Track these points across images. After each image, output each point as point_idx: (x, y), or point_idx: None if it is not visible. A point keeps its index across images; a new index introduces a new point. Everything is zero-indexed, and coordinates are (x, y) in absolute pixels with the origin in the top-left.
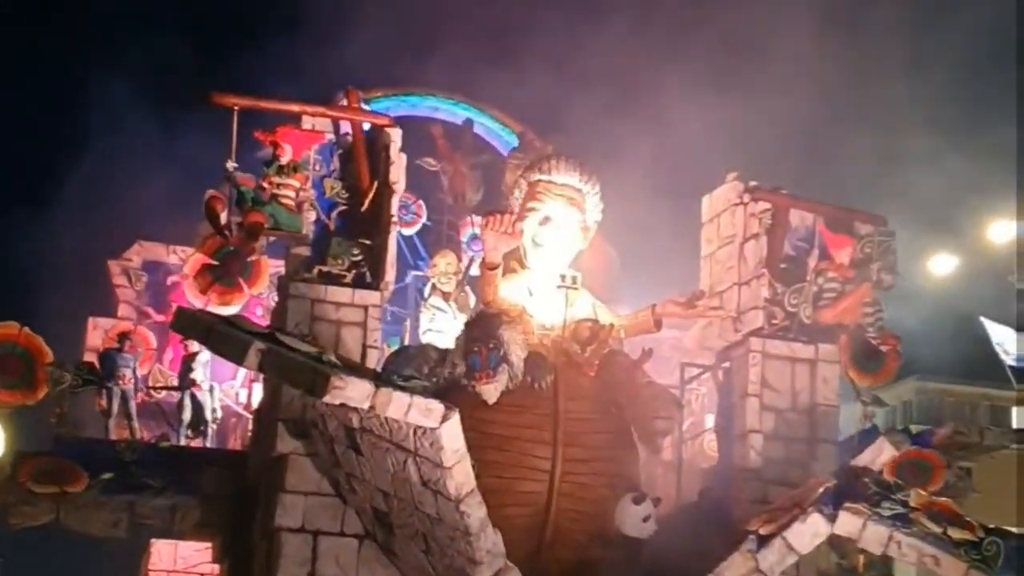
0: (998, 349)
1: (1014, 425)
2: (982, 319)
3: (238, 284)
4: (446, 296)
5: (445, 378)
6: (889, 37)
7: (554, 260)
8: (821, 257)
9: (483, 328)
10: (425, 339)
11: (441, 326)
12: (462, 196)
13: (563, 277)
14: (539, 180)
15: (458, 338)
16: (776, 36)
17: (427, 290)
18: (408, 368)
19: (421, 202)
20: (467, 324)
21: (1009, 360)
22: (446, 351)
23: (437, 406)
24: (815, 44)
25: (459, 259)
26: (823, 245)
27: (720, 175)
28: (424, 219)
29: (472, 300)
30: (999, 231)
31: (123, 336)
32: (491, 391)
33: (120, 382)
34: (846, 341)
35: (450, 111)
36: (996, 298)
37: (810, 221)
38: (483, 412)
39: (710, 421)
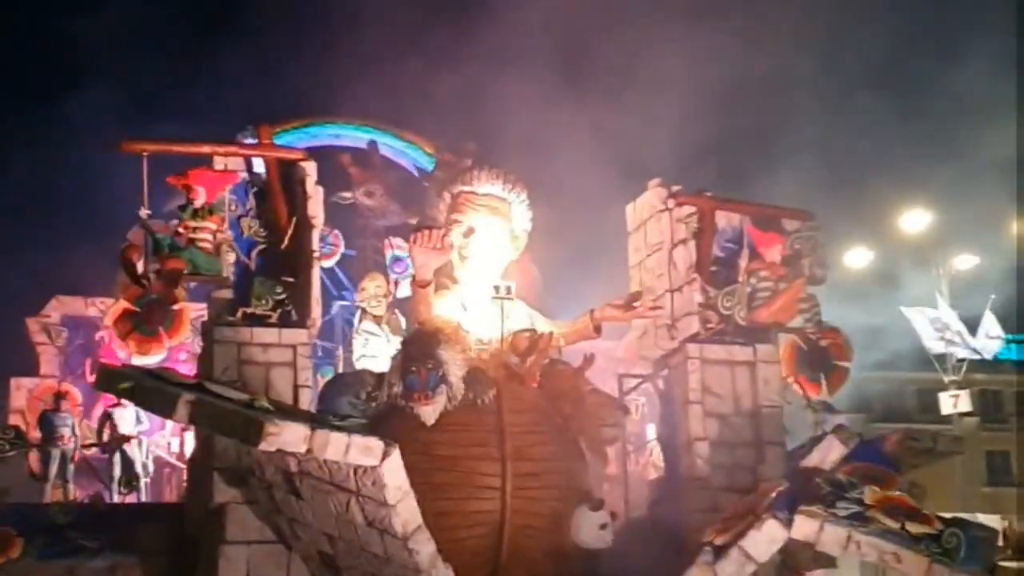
0: (921, 337)
1: (942, 411)
2: (902, 308)
3: (158, 334)
4: (377, 320)
5: (384, 402)
6: (790, 24)
7: (483, 272)
8: (751, 257)
9: (420, 347)
10: (360, 365)
11: (375, 350)
12: (400, 203)
13: (496, 288)
14: (461, 192)
15: (394, 356)
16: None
17: (356, 318)
18: (346, 395)
19: (338, 232)
20: (404, 342)
21: (933, 346)
22: (383, 375)
23: (376, 444)
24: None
25: (387, 281)
26: (752, 245)
27: (641, 182)
28: (342, 248)
29: (403, 323)
30: (911, 220)
31: (58, 396)
32: (429, 412)
33: (59, 443)
34: (789, 353)
35: (354, 136)
36: (914, 286)
37: (737, 222)
38: (427, 434)
39: (651, 432)
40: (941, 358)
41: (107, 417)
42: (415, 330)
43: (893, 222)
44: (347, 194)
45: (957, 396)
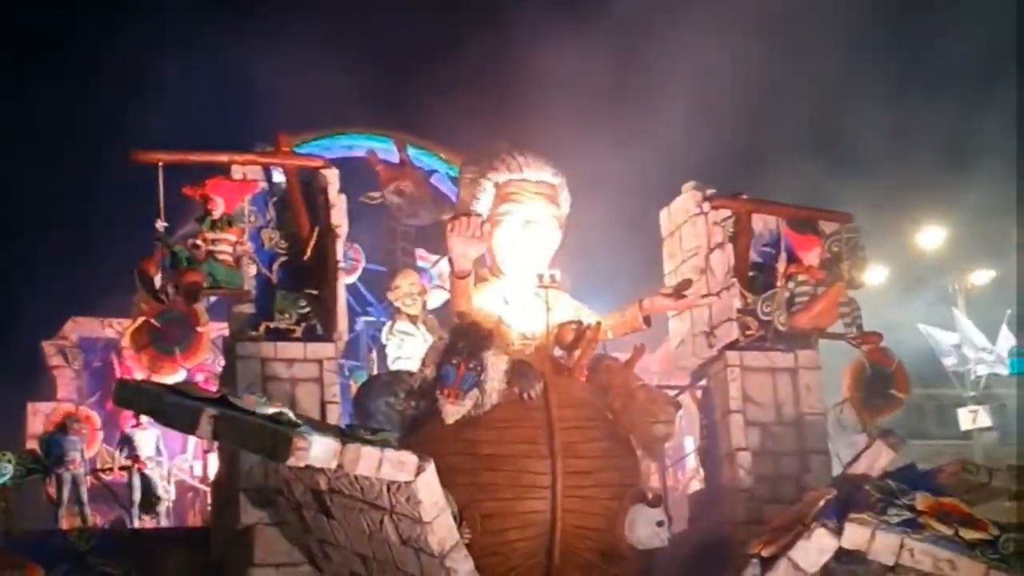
0: (939, 353)
1: (961, 427)
2: (919, 325)
3: (173, 354)
4: (413, 319)
5: (424, 402)
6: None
7: (537, 263)
8: (789, 260)
9: (471, 342)
10: (395, 368)
11: (411, 352)
12: (432, 200)
13: (541, 277)
14: (511, 180)
15: (439, 339)
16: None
17: (384, 331)
18: (384, 395)
19: (358, 246)
20: (455, 330)
21: (950, 364)
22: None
23: (410, 459)
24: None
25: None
26: (790, 248)
27: (675, 187)
28: (364, 263)
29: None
30: (928, 236)
31: (67, 418)
32: (452, 412)
33: (70, 466)
34: (852, 374)
35: (367, 146)
36: (932, 303)
37: (774, 225)
38: (472, 432)
39: (689, 445)
40: (959, 373)
41: (127, 440)
42: (470, 321)
43: (909, 238)
44: (375, 193)
45: (976, 411)
